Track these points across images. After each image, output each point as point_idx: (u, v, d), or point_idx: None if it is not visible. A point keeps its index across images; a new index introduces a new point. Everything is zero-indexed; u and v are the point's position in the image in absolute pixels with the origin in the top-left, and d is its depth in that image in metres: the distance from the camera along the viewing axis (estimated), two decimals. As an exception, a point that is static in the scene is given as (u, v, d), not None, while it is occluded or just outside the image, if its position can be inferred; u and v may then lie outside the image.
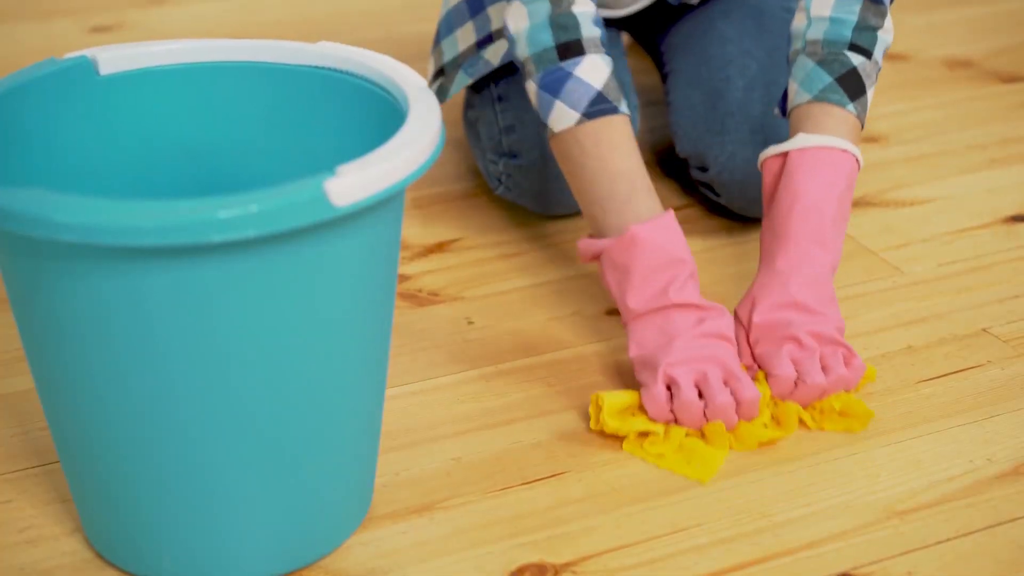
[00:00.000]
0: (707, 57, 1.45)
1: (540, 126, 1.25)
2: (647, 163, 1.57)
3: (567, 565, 1.00)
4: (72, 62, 1.02)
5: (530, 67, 1.18)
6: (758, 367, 1.15)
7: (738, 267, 1.37)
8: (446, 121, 1.63)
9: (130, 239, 0.81)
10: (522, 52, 1.18)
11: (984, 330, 1.26)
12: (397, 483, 1.07)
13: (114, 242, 0.82)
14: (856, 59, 1.21)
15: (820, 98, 1.20)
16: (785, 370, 1.12)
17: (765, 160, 1.21)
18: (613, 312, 1.29)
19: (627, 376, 1.20)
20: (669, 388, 1.11)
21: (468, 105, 1.47)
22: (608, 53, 1.18)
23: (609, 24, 1.52)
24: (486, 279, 1.35)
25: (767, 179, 1.21)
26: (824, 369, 1.13)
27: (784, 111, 1.27)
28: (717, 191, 1.42)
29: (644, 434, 1.11)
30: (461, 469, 1.09)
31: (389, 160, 0.87)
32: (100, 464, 0.94)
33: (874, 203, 1.48)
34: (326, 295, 0.90)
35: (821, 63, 1.21)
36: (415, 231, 1.44)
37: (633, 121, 1.43)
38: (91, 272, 0.85)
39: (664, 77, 1.51)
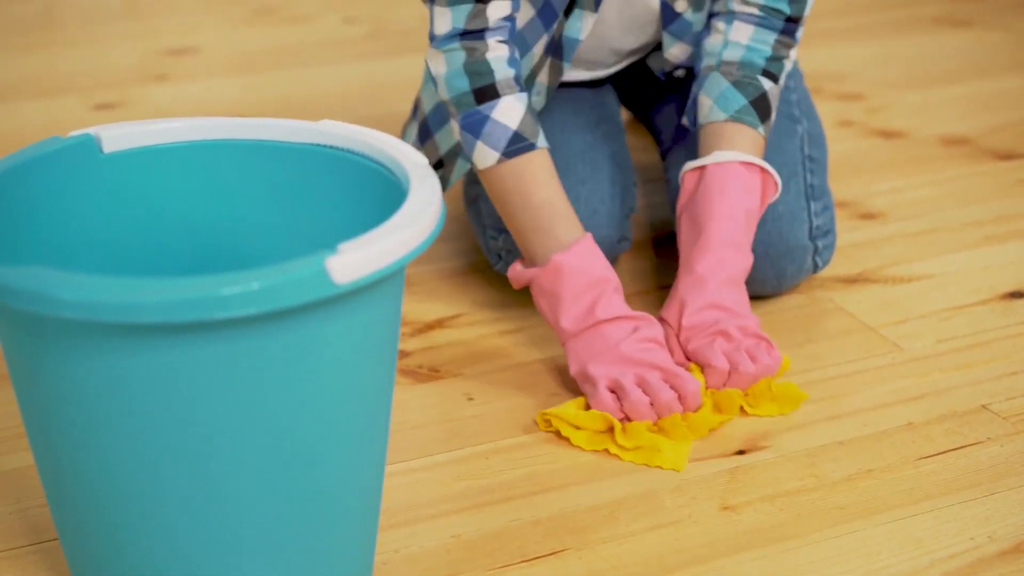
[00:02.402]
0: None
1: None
2: (644, 241, 1.58)
3: (567, 644, 0.99)
4: (76, 140, 1.03)
5: (452, 109, 1.27)
6: (690, 361, 1.25)
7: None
8: (446, 197, 1.64)
9: (132, 316, 0.82)
10: (443, 94, 1.27)
11: (984, 407, 1.26)
12: (397, 561, 1.07)
13: (116, 319, 0.82)
14: (767, 84, 1.33)
15: (736, 118, 1.31)
16: (720, 362, 1.23)
17: (685, 173, 1.30)
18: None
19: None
20: (614, 391, 1.21)
21: (469, 181, 1.48)
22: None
23: (602, 82, 1.53)
24: (486, 356, 1.36)
25: (685, 191, 1.31)
26: (752, 359, 1.23)
27: (693, 122, 1.37)
28: (715, 267, 1.43)
29: (602, 432, 1.19)
30: (461, 547, 1.09)
31: (390, 238, 0.88)
32: (104, 541, 0.93)
33: (872, 279, 1.49)
34: (327, 371, 0.90)
35: (736, 84, 1.32)
36: (415, 307, 1.44)
37: (632, 198, 1.44)
38: (93, 349, 0.85)
39: (663, 155, 1.53)
